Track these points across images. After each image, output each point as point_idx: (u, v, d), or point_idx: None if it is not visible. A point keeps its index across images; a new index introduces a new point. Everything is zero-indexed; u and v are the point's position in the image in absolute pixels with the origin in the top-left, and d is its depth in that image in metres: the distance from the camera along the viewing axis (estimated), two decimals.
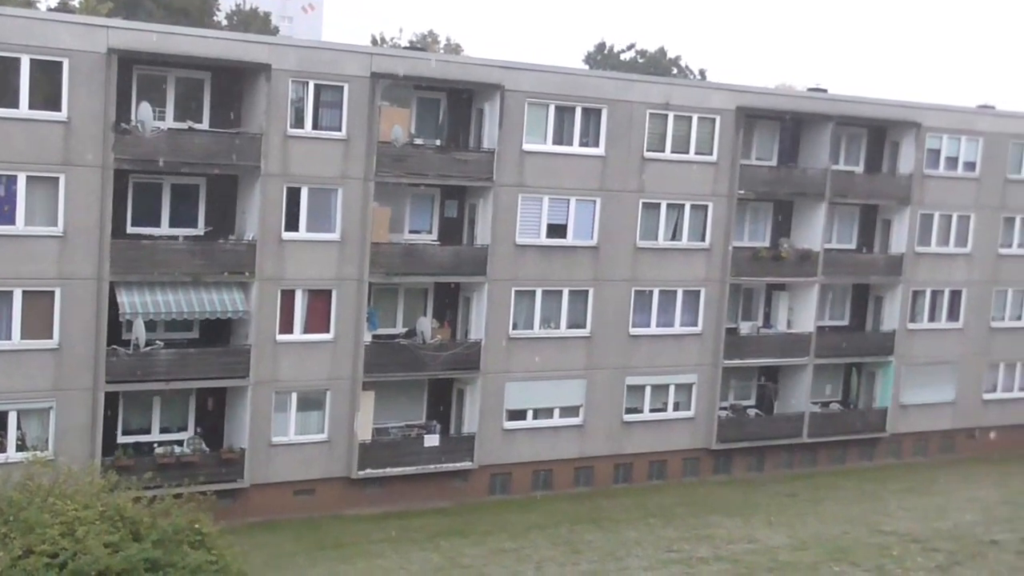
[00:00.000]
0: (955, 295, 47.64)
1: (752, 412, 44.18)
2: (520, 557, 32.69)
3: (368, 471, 36.00)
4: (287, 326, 34.79)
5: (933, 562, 34.22)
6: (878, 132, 45.71)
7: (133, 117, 32.44)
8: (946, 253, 47.04)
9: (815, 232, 43.51)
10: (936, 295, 47.23)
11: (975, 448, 48.94)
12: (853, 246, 46.16)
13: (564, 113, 38.49)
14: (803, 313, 44.01)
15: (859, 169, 45.45)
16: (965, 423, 48.75)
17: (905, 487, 42.99)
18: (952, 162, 46.76)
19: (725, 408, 43.28)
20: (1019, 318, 49.64)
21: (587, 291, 39.58)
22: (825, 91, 45.10)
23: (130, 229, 33.07)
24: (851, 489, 42.19)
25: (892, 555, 34.68)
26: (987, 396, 49.22)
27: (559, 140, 38.53)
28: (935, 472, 45.62)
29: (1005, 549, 35.79)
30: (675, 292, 41.24)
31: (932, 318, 47.24)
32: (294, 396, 35.11)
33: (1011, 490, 43.27)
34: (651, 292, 40.81)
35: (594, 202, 39.27)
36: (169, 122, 33.38)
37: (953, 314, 47.74)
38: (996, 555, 35.15)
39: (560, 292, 39.15)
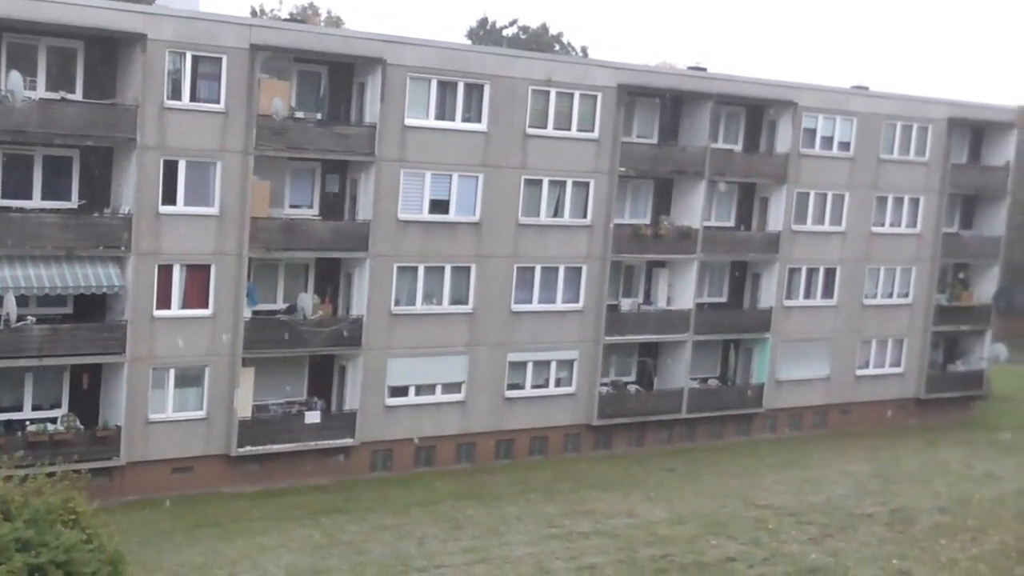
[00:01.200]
0: (829, 273, 48.88)
1: (632, 388, 44.84)
2: (402, 533, 32.80)
3: (248, 448, 35.76)
4: (164, 301, 34.33)
5: (807, 535, 35.15)
6: (756, 111, 46.62)
7: (2, 87, 31.60)
8: (821, 231, 48.23)
9: (694, 210, 44.25)
10: (811, 272, 48.41)
11: (848, 423, 50.33)
12: (732, 224, 47.06)
13: (446, 88, 38.51)
14: (682, 290, 44.78)
15: (738, 148, 46.31)
16: (838, 399, 50.10)
17: (780, 461, 44.05)
18: (827, 142, 47.90)
19: (606, 384, 43.85)
20: (891, 295, 51.16)
21: (469, 267, 39.74)
22: (705, 70, 45.82)
23: (0, 202, 32.25)
24: (728, 464, 43.10)
25: (768, 528, 35.54)
26: (859, 372, 50.62)
27: (441, 115, 38.55)
28: (809, 447, 46.81)
29: (876, 521, 36.91)
30: (557, 269, 41.62)
31: (807, 295, 48.43)
32: (172, 372, 34.69)
33: (881, 464, 44.60)
34: (533, 269, 41.13)
35: (476, 178, 39.41)
36: (41, 92, 32.60)
37: (827, 291, 49.00)
38: (867, 527, 36.23)
39: (442, 268, 39.25)
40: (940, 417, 52.89)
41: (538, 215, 40.99)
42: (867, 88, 49.99)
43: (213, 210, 34.66)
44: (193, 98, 34.11)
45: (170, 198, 33.99)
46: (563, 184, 41.33)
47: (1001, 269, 54.79)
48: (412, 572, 29.78)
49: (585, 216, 41.92)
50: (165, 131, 33.62)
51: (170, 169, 33.90)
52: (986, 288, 54.12)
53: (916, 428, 51.35)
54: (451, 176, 38.92)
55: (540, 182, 40.85)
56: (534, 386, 41.82)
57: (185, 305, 34.74)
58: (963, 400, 54.24)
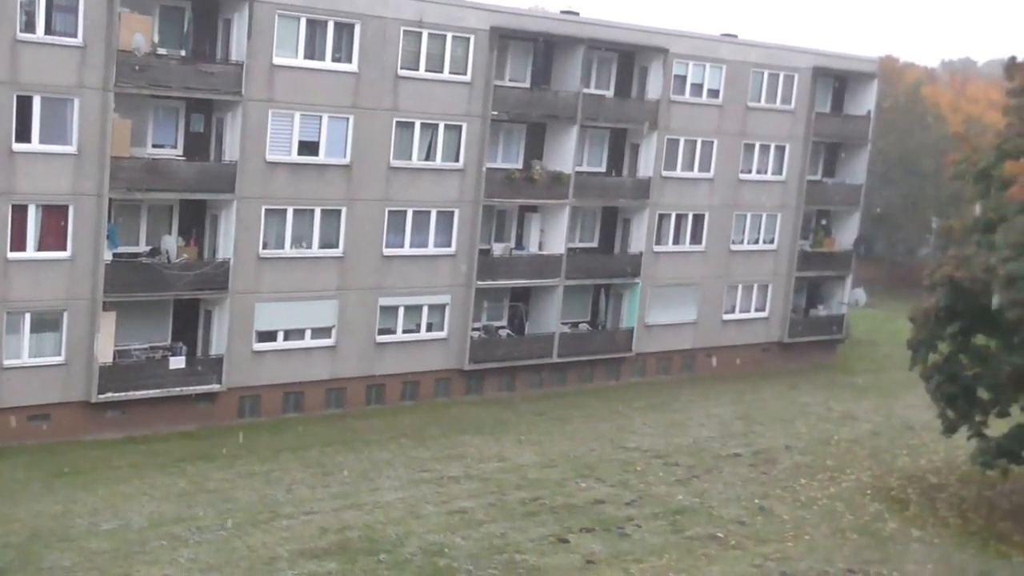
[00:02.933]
0: (698, 219, 49.24)
1: (504, 333, 44.71)
2: (270, 480, 32.21)
3: (109, 395, 34.66)
4: (19, 243, 32.91)
5: (674, 476, 35.52)
6: (628, 57, 46.48)
7: None
8: (690, 178, 48.50)
9: (566, 155, 44.04)
10: (680, 219, 48.70)
11: (714, 367, 50.98)
12: (603, 169, 47.01)
13: (316, 27, 37.47)
14: (554, 235, 44.64)
15: (609, 93, 46.14)
16: (706, 343, 50.71)
17: (649, 405, 44.47)
18: (697, 89, 48.06)
19: (477, 329, 43.62)
20: (757, 241, 51.81)
21: (340, 211, 38.96)
22: (577, 14, 45.46)
23: None
24: (598, 407, 43.33)
25: (636, 470, 35.82)
26: (726, 317, 51.28)
27: (311, 55, 37.55)
28: (677, 390, 47.35)
29: (739, 462, 37.49)
30: (429, 213, 41.07)
31: (676, 241, 48.74)
32: (27, 317, 33.35)
33: (745, 407, 45.35)
34: (405, 212, 40.51)
35: (347, 119, 38.54)
36: None
37: (696, 237, 49.38)
38: (731, 468, 36.79)
39: (312, 211, 38.41)
40: (802, 360, 53.93)
41: (410, 158, 40.33)
42: (736, 36, 50.27)
43: (71, 148, 33.23)
44: (48, 31, 32.55)
45: (24, 135, 32.49)
46: (435, 127, 40.70)
47: (862, 216, 55.91)
48: (280, 519, 29.26)
49: (457, 160, 41.40)
50: (18, 65, 32.04)
51: (24, 105, 32.36)
52: (847, 235, 55.20)
53: (779, 371, 52.30)
54: (321, 117, 37.98)
55: (412, 125, 40.16)
56: (405, 331, 41.36)
57: (41, 247, 33.34)
58: (824, 344, 55.36)
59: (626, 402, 44.49)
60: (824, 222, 55.63)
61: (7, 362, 33.11)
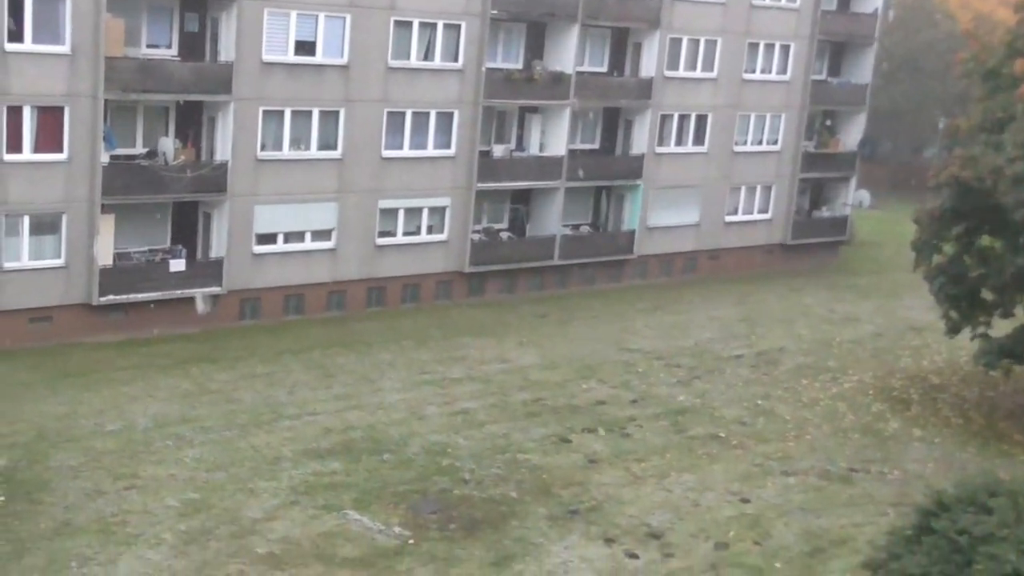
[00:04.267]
0: (701, 119, 49.07)
1: (504, 235, 44.82)
2: (272, 381, 32.57)
3: (110, 297, 34.89)
4: (15, 145, 32.88)
5: (675, 377, 35.89)
6: None
7: None
8: (693, 78, 48.23)
9: (567, 54, 43.76)
10: (683, 119, 48.52)
11: (716, 269, 51.21)
12: (604, 69, 46.73)
13: None
14: (555, 136, 44.53)
15: None
16: (708, 244, 50.88)
17: (650, 307, 44.73)
18: None
19: (478, 231, 43.73)
20: (760, 142, 51.68)
21: (338, 112, 38.83)
22: None
23: None
24: (599, 310, 43.60)
25: (637, 371, 36.17)
26: (728, 218, 51.34)
27: None
28: (679, 292, 47.57)
29: (741, 363, 37.84)
30: (428, 114, 40.92)
31: (679, 142, 48.62)
32: (26, 219, 33.44)
33: (747, 308, 45.61)
34: (404, 114, 40.36)
35: (344, 18, 38.23)
36: None
37: (699, 138, 49.25)
38: (733, 369, 37.14)
39: (310, 113, 38.27)
40: (805, 262, 54.15)
41: (408, 58, 40.08)
42: None
43: (64, 48, 33.04)
44: None
45: (17, 35, 32.31)
46: (434, 26, 40.39)
47: (867, 117, 55.67)
48: (284, 419, 29.67)
49: (456, 60, 41.15)
50: None
51: (15, 3, 32.12)
52: (852, 135, 55.02)
53: (782, 273, 52.52)
54: (317, 16, 37.69)
55: (410, 24, 39.84)
56: (405, 233, 41.47)
57: (38, 149, 33.30)
58: (827, 246, 55.56)
59: (628, 304, 44.75)
60: (829, 123, 55.42)
61: (7, 265, 33.29)
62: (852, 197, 55.54)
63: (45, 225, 33.93)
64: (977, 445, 31.65)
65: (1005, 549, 19.24)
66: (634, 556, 23.70)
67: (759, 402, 33.96)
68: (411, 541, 23.51)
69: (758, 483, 27.95)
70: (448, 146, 41.67)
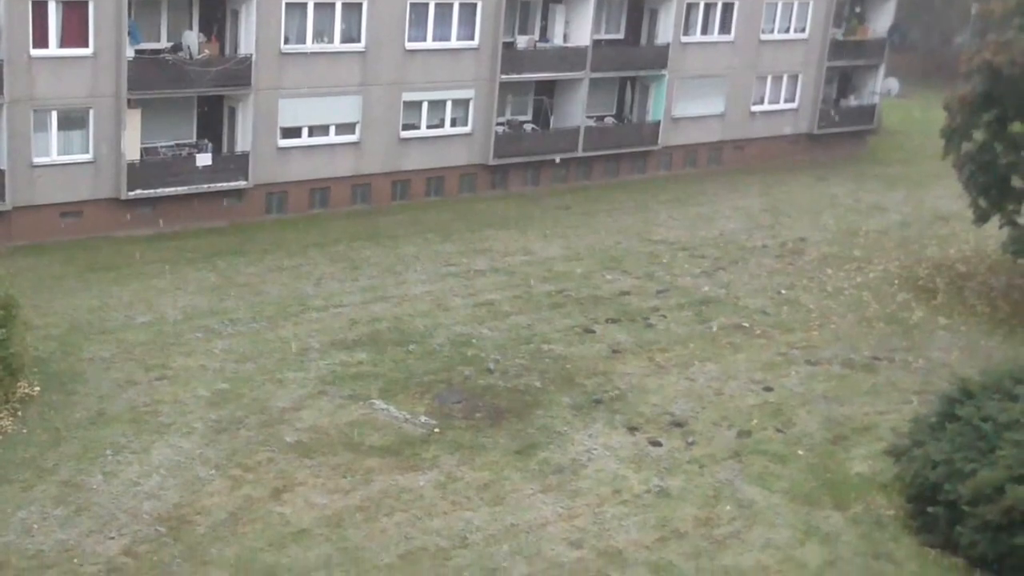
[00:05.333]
0: (727, 7, 48.28)
1: (528, 127, 44.52)
2: (299, 274, 32.76)
3: (138, 192, 35.01)
4: (41, 40, 32.73)
5: (699, 268, 35.88)
6: None
7: None
8: None
9: None
10: (709, 8, 47.76)
11: (741, 159, 50.83)
12: None
13: None
14: (579, 26, 43.95)
15: None
16: (733, 135, 50.41)
17: (675, 198, 44.54)
18: None
19: (502, 123, 43.43)
20: (787, 30, 50.87)
21: (361, 3, 38.40)
22: None
23: None
24: (624, 201, 43.45)
25: (661, 262, 36.19)
26: (754, 108, 50.80)
27: None
28: (704, 183, 47.32)
29: (765, 254, 37.78)
30: (451, 5, 40.43)
31: (705, 31, 47.91)
32: (54, 115, 33.44)
33: (772, 199, 45.37)
34: (427, 4, 39.90)
35: None
36: None
37: (725, 27, 48.51)
38: (757, 259, 37.10)
39: (333, 5, 37.88)
40: (832, 152, 53.67)
41: None
42: None
43: None
44: None
45: None
46: None
47: (896, 3, 54.65)
48: (310, 311, 29.91)
49: None
50: None
51: None
52: (881, 22, 54.11)
53: (808, 163, 52.11)
54: None
55: None
56: (429, 126, 41.23)
57: (64, 44, 33.16)
58: (855, 135, 54.98)
59: (652, 195, 44.59)
60: (858, 9, 54.43)
61: (37, 160, 33.38)
62: (880, 85, 54.75)
63: (73, 120, 33.93)
64: (1003, 333, 31.66)
65: None
66: (657, 444, 23.95)
67: (783, 292, 33.97)
68: (437, 430, 23.82)
69: (781, 372, 28.10)
70: (472, 37, 41.21)
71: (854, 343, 30.27)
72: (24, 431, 22.51)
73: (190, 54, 35.38)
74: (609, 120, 46.96)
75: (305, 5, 37.27)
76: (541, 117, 45.17)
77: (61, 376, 24.96)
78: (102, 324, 28.03)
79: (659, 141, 47.34)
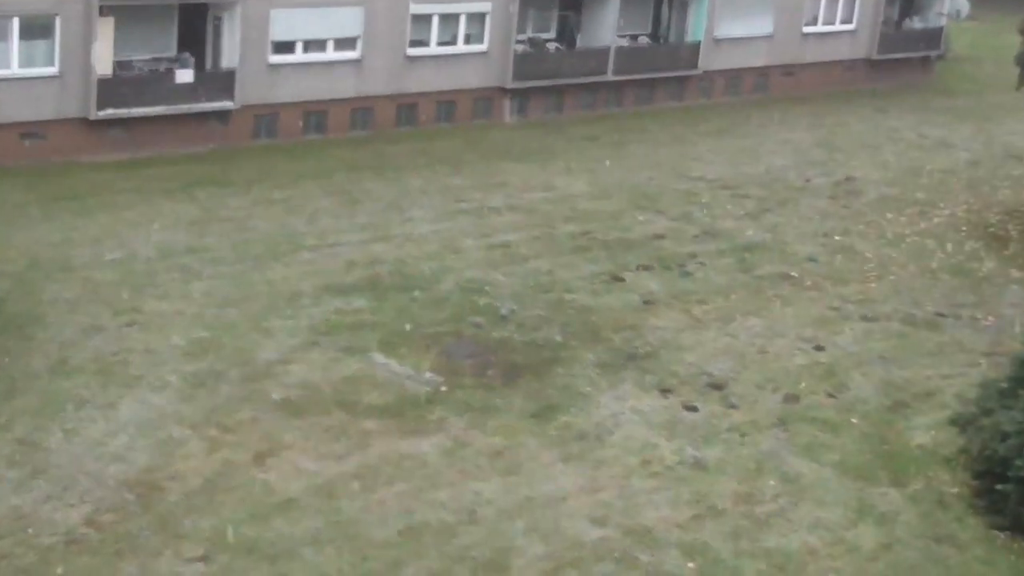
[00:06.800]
0: None
1: (552, 46, 44.05)
2: (290, 208, 32.46)
3: (109, 111, 34.60)
4: None
5: (743, 209, 35.57)
6: None
7: None
8: None
9: None
10: None
11: (791, 87, 50.30)
12: None
13: None
14: None
15: None
16: (782, 59, 49.94)
17: (716, 129, 44.26)
18: None
19: (522, 42, 42.94)
20: None
21: None
22: None
23: None
24: (658, 132, 43.16)
25: (700, 202, 35.87)
26: (806, 30, 50.28)
27: None
28: (748, 113, 47.04)
29: (817, 194, 37.48)
30: None
31: None
32: (15, 21, 32.97)
33: (826, 132, 45.13)
34: None
35: None
36: None
37: None
38: (808, 201, 36.80)
39: None
40: (893, 80, 53.35)
41: None
42: None
43: None
44: None
45: None
46: None
47: None
48: (302, 251, 29.61)
49: None
50: None
51: None
52: None
53: (866, 92, 51.81)
54: None
55: None
56: (440, 43, 40.81)
57: None
58: (918, 61, 54.61)
59: (690, 126, 44.24)
60: None
61: None
62: (948, 6, 54.26)
63: (37, 28, 33.48)
64: None
65: None
66: (693, 408, 23.64)
67: (837, 238, 33.66)
68: (443, 388, 23.57)
69: (834, 329, 27.80)
70: None
71: (916, 297, 29.95)
72: None
73: None
74: (643, 40, 46.46)
75: None
76: (566, 35, 44.69)
77: (19, 319, 24.64)
78: (66, 261, 27.69)
79: (699, 65, 46.81)
